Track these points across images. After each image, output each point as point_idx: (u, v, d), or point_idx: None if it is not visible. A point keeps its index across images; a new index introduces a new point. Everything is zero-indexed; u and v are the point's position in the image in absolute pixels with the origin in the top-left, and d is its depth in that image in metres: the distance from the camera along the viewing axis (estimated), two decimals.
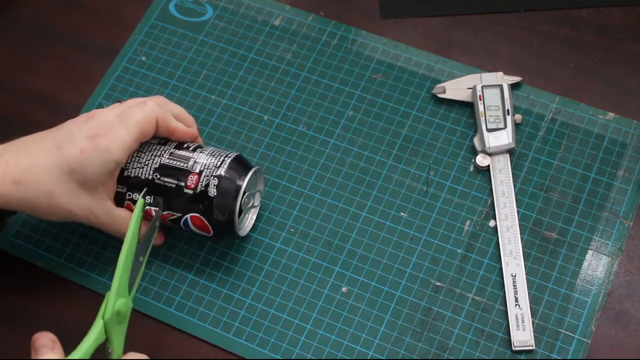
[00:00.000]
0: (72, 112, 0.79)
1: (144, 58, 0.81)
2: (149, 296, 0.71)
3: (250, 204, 0.69)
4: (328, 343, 0.69)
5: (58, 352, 0.58)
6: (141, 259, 0.63)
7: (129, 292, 0.62)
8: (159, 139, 0.69)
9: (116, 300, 0.61)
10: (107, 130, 0.63)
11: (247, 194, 0.68)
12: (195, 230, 0.68)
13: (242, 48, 0.81)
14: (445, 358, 0.68)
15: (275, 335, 0.69)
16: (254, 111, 0.78)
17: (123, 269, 0.62)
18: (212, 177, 0.66)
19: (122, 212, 0.68)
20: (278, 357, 0.68)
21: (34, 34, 0.83)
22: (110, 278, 0.72)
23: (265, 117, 0.78)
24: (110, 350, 0.60)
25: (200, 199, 0.66)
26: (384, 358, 0.68)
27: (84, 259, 0.73)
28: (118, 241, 0.73)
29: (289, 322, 0.70)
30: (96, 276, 0.72)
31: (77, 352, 0.58)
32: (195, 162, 0.67)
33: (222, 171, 0.66)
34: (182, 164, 0.67)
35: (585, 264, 0.71)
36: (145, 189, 0.66)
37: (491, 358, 0.67)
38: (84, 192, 0.64)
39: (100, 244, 0.73)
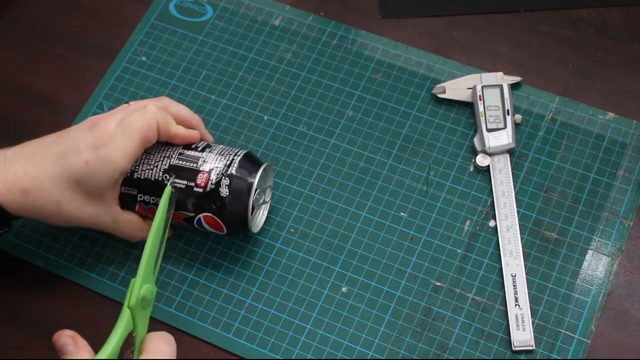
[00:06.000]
0: (72, 112, 0.79)
1: (144, 58, 0.81)
2: None
3: (261, 200, 0.70)
4: (328, 343, 0.69)
5: (82, 345, 0.58)
6: (161, 237, 0.64)
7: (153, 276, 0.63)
8: None
9: (142, 286, 0.61)
10: (110, 140, 0.63)
11: (258, 190, 0.68)
12: (209, 229, 0.68)
13: (242, 48, 0.81)
14: (445, 358, 0.68)
15: (275, 335, 0.69)
16: (254, 111, 0.78)
17: (149, 257, 0.62)
18: (223, 177, 0.66)
19: (129, 216, 0.68)
20: (278, 357, 0.68)
21: (34, 34, 0.83)
22: (110, 278, 0.72)
23: (265, 117, 0.78)
24: (134, 335, 0.61)
25: (212, 199, 0.66)
26: (384, 358, 0.68)
27: (84, 259, 0.73)
28: (118, 241, 0.73)
29: (289, 322, 0.70)
30: (96, 276, 0.72)
31: (108, 344, 0.59)
32: (204, 161, 0.67)
33: (232, 170, 0.66)
34: (191, 164, 0.67)
35: (585, 264, 0.71)
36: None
37: (491, 358, 0.68)
38: (90, 200, 0.64)
39: (100, 244, 0.73)
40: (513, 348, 0.67)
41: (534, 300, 0.69)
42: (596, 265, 0.70)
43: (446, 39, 0.81)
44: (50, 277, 0.73)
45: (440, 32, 0.81)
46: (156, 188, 0.67)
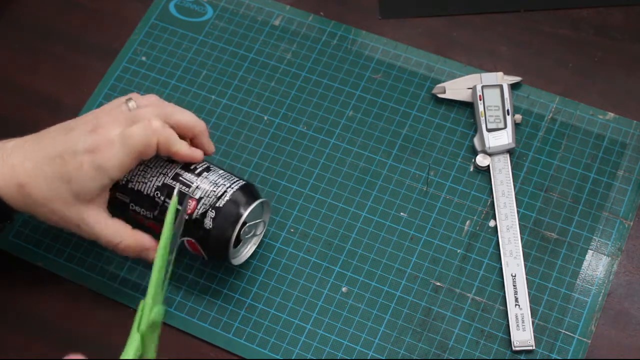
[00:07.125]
0: (72, 112, 0.79)
1: (144, 58, 0.81)
2: None
3: (251, 234, 0.68)
4: (328, 343, 0.69)
5: None
6: (169, 257, 0.60)
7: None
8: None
9: (152, 309, 0.57)
10: (108, 147, 0.63)
11: (247, 224, 0.67)
12: (191, 252, 0.68)
13: (242, 48, 0.81)
14: (445, 358, 0.68)
15: (275, 335, 0.69)
16: (254, 111, 0.78)
17: (158, 276, 0.58)
18: (210, 209, 0.65)
19: (115, 223, 0.67)
20: (278, 357, 0.68)
21: (34, 34, 0.83)
22: (110, 278, 0.72)
23: (265, 117, 0.78)
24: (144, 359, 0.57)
25: (197, 227, 0.65)
26: (384, 358, 0.68)
27: (84, 259, 0.73)
28: None
29: (289, 322, 0.70)
30: (96, 276, 0.72)
31: None
32: (197, 187, 0.66)
33: (221, 204, 0.65)
34: (183, 188, 0.66)
35: (585, 264, 0.71)
36: (178, 188, 0.66)
37: (491, 358, 0.68)
38: (78, 202, 0.65)
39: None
40: (513, 348, 0.67)
41: (534, 300, 0.69)
42: (596, 265, 0.70)
43: (446, 39, 0.81)
44: (50, 277, 0.73)
45: (440, 32, 0.81)
46: (147, 202, 0.66)
